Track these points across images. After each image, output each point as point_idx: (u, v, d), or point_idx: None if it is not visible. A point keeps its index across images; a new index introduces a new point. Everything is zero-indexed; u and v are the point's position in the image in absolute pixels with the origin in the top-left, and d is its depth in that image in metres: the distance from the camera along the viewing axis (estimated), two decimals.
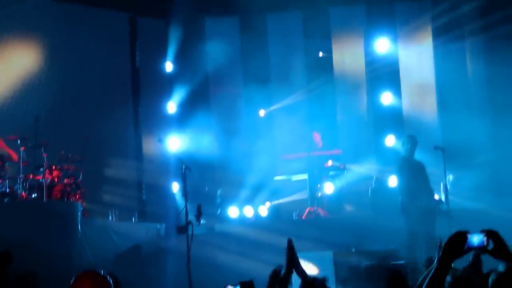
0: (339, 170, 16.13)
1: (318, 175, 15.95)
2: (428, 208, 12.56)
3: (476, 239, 3.76)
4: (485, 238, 3.76)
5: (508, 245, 3.76)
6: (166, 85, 17.98)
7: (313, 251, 11.96)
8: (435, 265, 3.78)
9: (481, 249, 3.77)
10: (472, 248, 3.77)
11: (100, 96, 16.42)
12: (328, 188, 16.06)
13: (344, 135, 17.70)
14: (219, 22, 18.28)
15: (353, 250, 12.37)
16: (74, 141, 14.73)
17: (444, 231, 11.75)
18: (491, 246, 3.77)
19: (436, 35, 17.35)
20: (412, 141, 13.02)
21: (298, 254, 11.71)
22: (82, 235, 12.61)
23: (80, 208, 12.82)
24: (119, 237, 13.62)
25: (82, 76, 16.14)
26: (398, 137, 17.24)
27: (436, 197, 13.12)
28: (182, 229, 10.71)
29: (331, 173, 16.22)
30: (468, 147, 16.41)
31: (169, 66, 17.95)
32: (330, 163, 16.12)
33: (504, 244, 3.76)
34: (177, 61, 17.93)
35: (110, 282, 4.85)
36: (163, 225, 15.19)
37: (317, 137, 16.52)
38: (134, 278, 12.80)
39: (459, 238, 3.78)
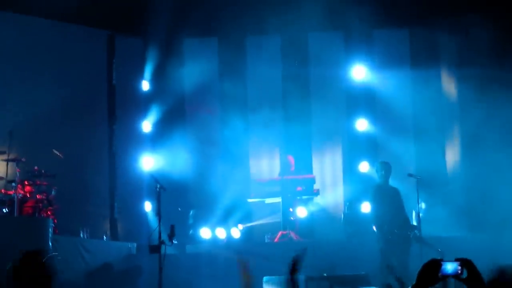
0: (312, 194, 16.14)
1: (291, 198, 15.95)
2: (402, 235, 12.59)
3: (450, 267, 3.79)
4: (459, 267, 3.79)
5: (481, 274, 3.79)
6: (142, 103, 17.94)
7: (285, 275, 11.91)
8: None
9: (455, 277, 3.79)
10: (446, 276, 3.79)
11: (76, 113, 16.33)
12: (301, 212, 16.07)
13: (318, 159, 17.73)
14: (198, 43, 18.31)
15: (325, 275, 12.36)
16: (48, 157, 14.63)
17: (416, 259, 11.85)
18: (465, 274, 3.79)
19: (414, 63, 17.48)
20: (386, 167, 13.10)
21: (270, 278, 11.73)
22: (52, 252, 12.50)
23: (51, 225, 12.71)
24: (90, 255, 13.52)
25: (58, 92, 16.06)
26: (371, 163, 17.32)
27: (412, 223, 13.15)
28: (155, 249, 10.66)
29: (304, 197, 16.24)
30: (441, 175, 16.52)
31: (145, 85, 17.93)
32: (303, 187, 16.12)
33: (477, 273, 3.79)
34: (154, 80, 17.91)
35: None
36: (135, 244, 15.12)
37: (291, 160, 16.54)
38: None
39: (434, 265, 3.80)
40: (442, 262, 3.80)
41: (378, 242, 12.79)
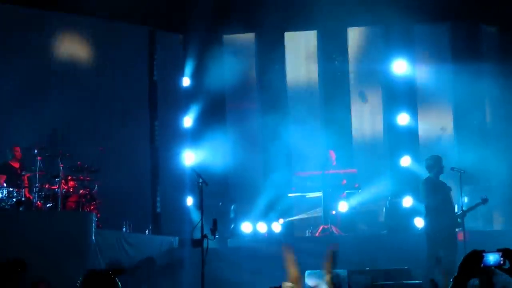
0: (354, 189, 16.10)
1: (332, 193, 15.93)
2: (451, 231, 12.49)
3: (492, 258, 3.79)
4: (501, 257, 3.78)
5: None
6: (182, 99, 18.04)
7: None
8: (451, 283, 3.80)
9: (497, 267, 3.79)
10: (488, 266, 3.79)
11: (118, 109, 16.52)
12: (343, 206, 16.04)
13: (360, 154, 17.70)
14: (237, 38, 18.37)
15: (367, 269, 12.34)
16: (91, 153, 14.79)
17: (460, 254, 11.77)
18: (507, 265, 3.79)
19: (455, 57, 17.35)
20: (438, 161, 12.89)
21: (312, 272, 11.74)
22: (95, 246, 12.65)
23: (94, 219, 12.85)
24: (132, 249, 13.65)
25: (101, 88, 16.24)
26: (413, 158, 17.25)
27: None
28: (197, 243, 10.71)
29: (346, 192, 16.21)
30: (483, 169, 16.38)
31: (186, 81, 18.03)
32: (345, 182, 16.10)
33: None
34: (194, 76, 18.00)
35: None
36: (177, 238, 15.21)
37: (332, 155, 16.52)
38: None
39: (475, 257, 3.80)
40: (484, 254, 3.80)
41: (427, 234, 12.64)
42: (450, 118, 17.55)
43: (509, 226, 16.35)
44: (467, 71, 16.87)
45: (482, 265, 3.80)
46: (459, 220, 12.56)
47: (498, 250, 3.82)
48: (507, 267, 3.80)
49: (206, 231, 11.05)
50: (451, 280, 3.81)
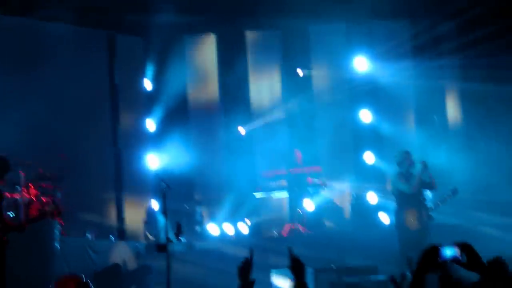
0: (319, 187, 16.12)
1: (298, 192, 15.94)
2: (423, 225, 12.49)
3: (449, 252, 3.79)
4: (458, 251, 3.78)
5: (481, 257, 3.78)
6: (145, 102, 17.95)
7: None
8: (410, 278, 3.79)
9: (454, 261, 3.78)
10: (445, 260, 3.78)
11: (79, 114, 16.33)
12: (308, 205, 16.07)
13: (324, 152, 17.72)
14: (198, 40, 18.31)
15: (333, 266, 12.34)
16: (53, 160, 14.62)
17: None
18: (464, 259, 3.79)
19: (415, 53, 17.45)
20: (409, 157, 12.89)
21: (279, 270, 11.74)
22: (59, 253, 12.52)
23: (57, 227, 12.71)
24: (98, 256, 13.53)
25: (61, 94, 16.07)
26: (376, 154, 17.33)
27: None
28: (162, 247, 10.64)
29: (311, 190, 16.22)
30: (446, 165, 16.46)
31: (148, 84, 17.93)
32: (310, 180, 16.11)
33: (477, 256, 3.78)
34: (156, 78, 17.92)
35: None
36: (142, 243, 15.12)
37: (298, 154, 16.53)
38: None
39: (433, 251, 3.79)
40: (441, 248, 3.80)
41: (398, 230, 12.65)
42: (412, 113, 17.62)
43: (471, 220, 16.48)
44: (427, 67, 16.99)
45: (439, 260, 3.79)
46: (431, 214, 12.59)
47: (455, 244, 3.81)
48: (464, 261, 3.79)
49: (171, 235, 11.00)
50: (410, 274, 3.80)
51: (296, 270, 4.12)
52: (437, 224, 13.13)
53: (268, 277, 12.24)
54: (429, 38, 17.38)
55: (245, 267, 5.10)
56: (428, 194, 12.85)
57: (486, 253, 3.98)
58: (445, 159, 16.49)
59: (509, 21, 16.05)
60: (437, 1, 16.88)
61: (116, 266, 13.43)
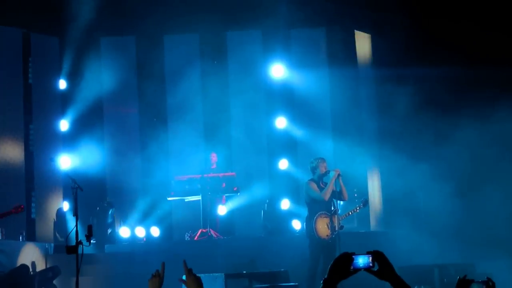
0: (233, 193, 16.15)
1: (211, 197, 15.95)
2: (334, 233, 12.56)
3: (361, 260, 3.84)
4: (370, 259, 3.84)
5: (393, 266, 3.85)
6: (59, 103, 17.66)
7: (204, 273, 11.90)
8: (321, 285, 3.83)
9: (366, 270, 3.84)
10: (358, 269, 3.84)
11: None
12: (221, 210, 16.09)
13: (239, 157, 17.78)
14: (115, 42, 18.16)
15: (244, 272, 12.39)
16: None
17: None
18: (376, 267, 3.85)
19: (330, 61, 17.67)
20: (322, 164, 12.96)
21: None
22: None
23: None
24: (5, 256, 13.28)
25: None
26: (290, 161, 17.48)
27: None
28: (72, 249, 10.47)
29: (225, 195, 16.26)
30: (359, 173, 16.70)
31: (62, 84, 17.67)
32: (223, 185, 16.12)
33: (389, 265, 3.84)
34: (71, 79, 17.67)
35: None
36: (52, 245, 14.90)
37: (213, 158, 16.55)
38: None
39: (345, 259, 3.84)
40: (354, 256, 3.86)
41: (309, 238, 12.71)
42: (328, 121, 17.80)
43: (383, 228, 16.79)
44: (343, 75, 17.21)
45: (352, 268, 3.85)
46: (342, 223, 12.70)
47: (367, 253, 3.87)
48: (376, 270, 3.86)
49: (82, 237, 10.85)
50: (321, 282, 3.85)
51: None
52: (348, 232, 13.35)
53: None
54: (344, 47, 17.60)
55: (155, 281, 5.08)
56: (340, 202, 12.99)
57: (397, 262, 4.06)
58: (361, 169, 16.74)
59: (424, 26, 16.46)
60: (352, 11, 17.12)
61: (23, 267, 13.19)
